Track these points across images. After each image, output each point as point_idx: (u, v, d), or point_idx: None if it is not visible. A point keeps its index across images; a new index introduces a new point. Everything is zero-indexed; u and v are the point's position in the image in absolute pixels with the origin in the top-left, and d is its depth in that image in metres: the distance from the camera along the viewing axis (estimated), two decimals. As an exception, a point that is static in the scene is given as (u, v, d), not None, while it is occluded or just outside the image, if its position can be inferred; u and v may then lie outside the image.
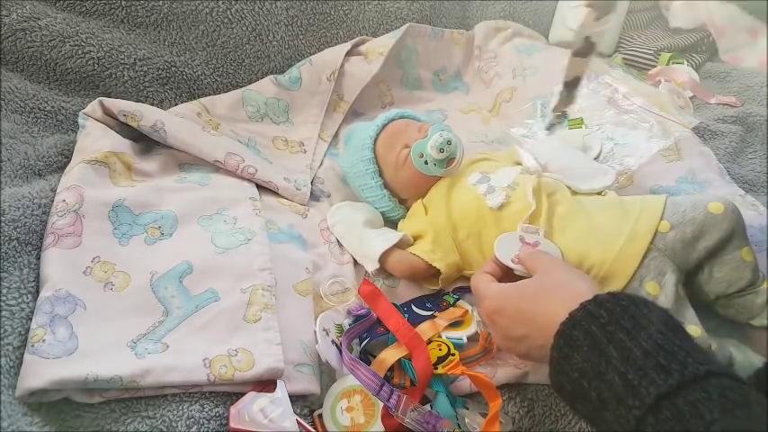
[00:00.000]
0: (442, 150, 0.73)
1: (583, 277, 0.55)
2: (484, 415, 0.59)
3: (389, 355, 0.62)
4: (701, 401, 0.39)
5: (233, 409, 0.54)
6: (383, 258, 0.72)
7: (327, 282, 0.71)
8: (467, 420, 0.59)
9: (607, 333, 0.44)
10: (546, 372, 0.63)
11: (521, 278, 0.60)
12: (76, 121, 0.79)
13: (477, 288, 0.60)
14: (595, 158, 0.84)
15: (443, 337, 0.65)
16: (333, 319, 0.65)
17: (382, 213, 0.81)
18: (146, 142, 0.81)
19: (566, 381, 0.47)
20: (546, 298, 0.53)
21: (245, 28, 0.96)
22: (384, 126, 0.81)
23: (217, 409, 0.56)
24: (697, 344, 0.43)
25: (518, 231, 0.66)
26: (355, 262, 0.75)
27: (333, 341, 0.63)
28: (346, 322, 0.66)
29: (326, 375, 0.62)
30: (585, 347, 0.45)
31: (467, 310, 0.69)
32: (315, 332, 0.63)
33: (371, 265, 0.72)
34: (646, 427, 0.40)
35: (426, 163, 0.74)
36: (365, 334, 0.65)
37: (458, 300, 0.71)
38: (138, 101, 0.86)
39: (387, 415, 0.57)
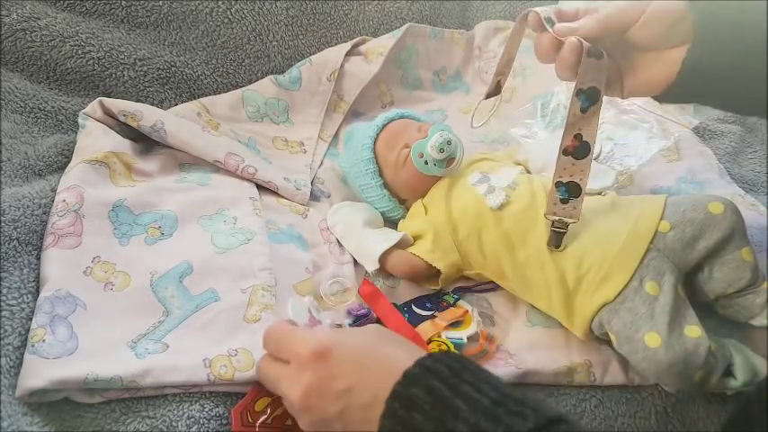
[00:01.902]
0: (442, 150, 0.73)
1: (413, 347, 0.49)
2: (484, 415, 0.59)
3: (389, 355, 0.62)
4: None
5: (235, 411, 0.54)
6: (383, 258, 0.72)
7: (327, 282, 0.71)
8: (467, 420, 0.59)
9: (450, 386, 0.41)
10: (546, 372, 0.64)
11: None
12: (76, 121, 0.79)
13: (286, 333, 0.51)
14: (595, 158, 0.84)
15: (443, 337, 0.65)
16: (333, 319, 0.65)
17: (382, 213, 0.81)
18: (146, 142, 0.81)
19: None
20: (387, 345, 0.48)
21: (245, 28, 0.96)
22: (384, 126, 0.81)
23: (217, 409, 0.56)
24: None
25: (307, 303, 0.61)
26: (355, 262, 0.75)
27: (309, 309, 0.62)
28: (346, 322, 0.66)
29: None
30: (427, 405, 0.41)
31: (467, 310, 0.69)
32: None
33: (371, 265, 0.72)
34: None
35: (426, 163, 0.74)
36: (365, 334, 0.65)
37: (458, 300, 0.71)
38: (138, 101, 0.86)
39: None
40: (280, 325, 0.53)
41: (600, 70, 0.58)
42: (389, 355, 0.46)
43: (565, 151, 0.62)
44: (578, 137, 0.61)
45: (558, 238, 0.65)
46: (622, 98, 0.63)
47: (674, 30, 0.55)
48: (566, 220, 0.64)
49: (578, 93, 0.59)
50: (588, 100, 0.59)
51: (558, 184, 0.64)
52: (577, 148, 0.61)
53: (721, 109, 0.68)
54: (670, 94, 0.58)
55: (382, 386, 0.43)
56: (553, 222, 0.64)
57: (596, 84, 0.58)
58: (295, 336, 0.50)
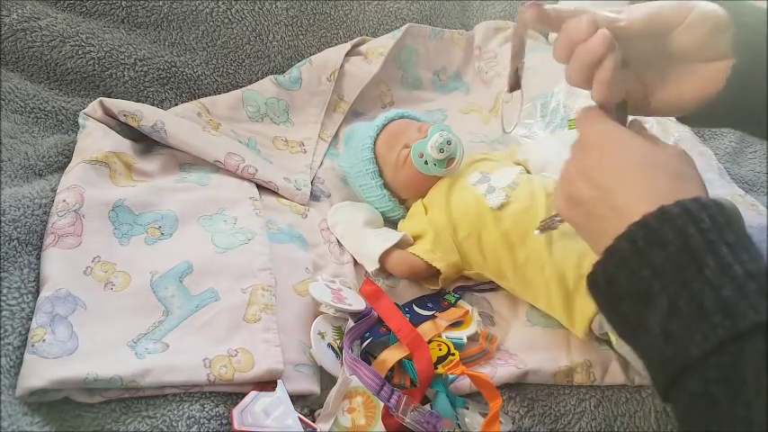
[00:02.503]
0: (442, 150, 0.73)
1: (703, 185, 0.44)
2: (484, 415, 0.59)
3: (390, 356, 0.62)
4: None
5: (235, 411, 0.54)
6: (383, 258, 0.72)
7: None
8: (467, 420, 0.59)
9: (707, 240, 0.37)
10: (546, 372, 0.64)
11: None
12: (77, 122, 0.79)
13: (592, 112, 0.49)
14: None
15: (443, 337, 0.65)
16: (330, 322, 0.65)
17: (382, 213, 0.81)
18: (146, 142, 0.81)
19: (625, 275, 0.39)
20: (663, 173, 0.43)
21: (245, 28, 0.96)
22: (384, 126, 0.81)
23: (217, 409, 0.56)
24: None
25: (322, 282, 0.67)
26: (355, 262, 0.75)
27: (329, 344, 0.63)
28: (349, 322, 0.66)
29: (326, 376, 0.62)
30: (673, 247, 0.37)
31: (467, 311, 0.69)
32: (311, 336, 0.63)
33: (371, 266, 0.72)
34: (725, 354, 0.34)
35: (426, 163, 0.74)
36: (367, 333, 0.65)
37: (459, 299, 0.71)
38: (138, 101, 0.86)
39: (387, 415, 0.57)
40: (591, 108, 0.50)
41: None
42: (668, 180, 0.43)
43: None
44: None
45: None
46: (646, 116, 0.55)
47: (718, 38, 0.49)
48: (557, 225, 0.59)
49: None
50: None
51: None
52: None
53: (760, 137, 0.61)
54: (703, 115, 0.52)
55: (641, 203, 0.41)
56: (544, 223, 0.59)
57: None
58: (594, 122, 0.49)
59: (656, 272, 0.38)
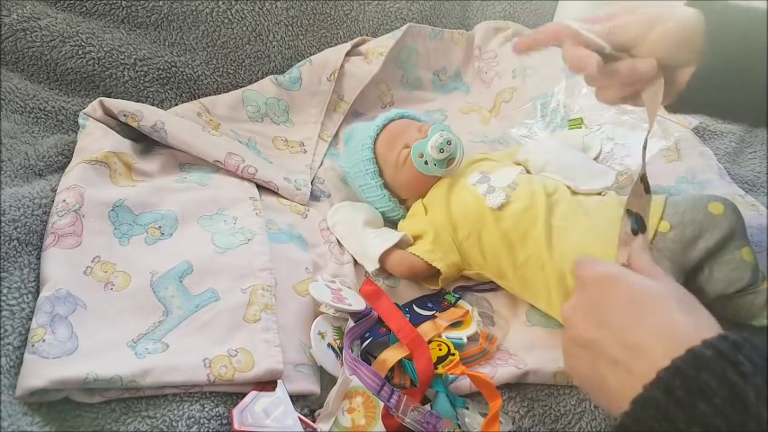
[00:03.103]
0: (442, 150, 0.73)
1: (708, 315, 0.43)
2: (484, 415, 0.59)
3: (391, 356, 0.62)
4: None
5: (235, 411, 0.54)
6: (383, 258, 0.72)
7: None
8: (467, 420, 0.59)
9: (754, 387, 0.34)
10: (546, 372, 0.64)
11: None
12: (77, 122, 0.79)
13: (584, 259, 0.49)
14: (595, 158, 0.84)
15: (443, 337, 0.65)
16: (331, 322, 0.65)
17: (382, 213, 0.81)
18: (146, 142, 0.81)
19: (664, 429, 0.36)
20: (668, 307, 0.42)
21: (245, 28, 0.96)
22: (384, 126, 0.81)
23: (217, 409, 0.56)
24: None
25: (321, 282, 0.67)
26: (355, 262, 0.75)
27: (329, 344, 0.63)
28: (349, 322, 0.66)
29: (326, 375, 0.62)
30: (719, 399, 0.34)
31: (467, 311, 0.69)
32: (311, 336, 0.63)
33: (371, 266, 0.72)
34: None
35: (426, 163, 0.74)
36: (367, 333, 0.65)
37: (459, 299, 0.71)
38: (138, 101, 0.86)
39: (387, 415, 0.57)
40: (587, 258, 0.50)
41: (645, 203, 0.54)
42: (669, 311, 0.41)
43: None
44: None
45: None
46: (636, 106, 0.61)
47: (682, 50, 0.54)
48: None
49: (628, 213, 0.54)
50: (637, 224, 0.54)
51: None
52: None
53: (724, 120, 0.65)
54: (672, 107, 0.58)
55: (651, 341, 0.39)
56: None
57: (642, 213, 0.53)
58: (595, 259, 0.49)
59: (706, 427, 0.34)
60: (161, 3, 0.91)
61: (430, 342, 0.64)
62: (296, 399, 0.58)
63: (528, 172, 0.78)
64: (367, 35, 1.05)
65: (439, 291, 0.73)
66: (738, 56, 0.53)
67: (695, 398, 0.35)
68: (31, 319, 0.56)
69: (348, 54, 0.99)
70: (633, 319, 0.42)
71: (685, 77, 0.55)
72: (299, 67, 0.96)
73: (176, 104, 0.90)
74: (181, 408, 0.55)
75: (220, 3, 0.94)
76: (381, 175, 0.79)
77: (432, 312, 0.69)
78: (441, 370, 0.61)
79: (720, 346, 0.36)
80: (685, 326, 0.40)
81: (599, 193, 0.74)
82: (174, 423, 0.54)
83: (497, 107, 1.03)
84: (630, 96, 0.58)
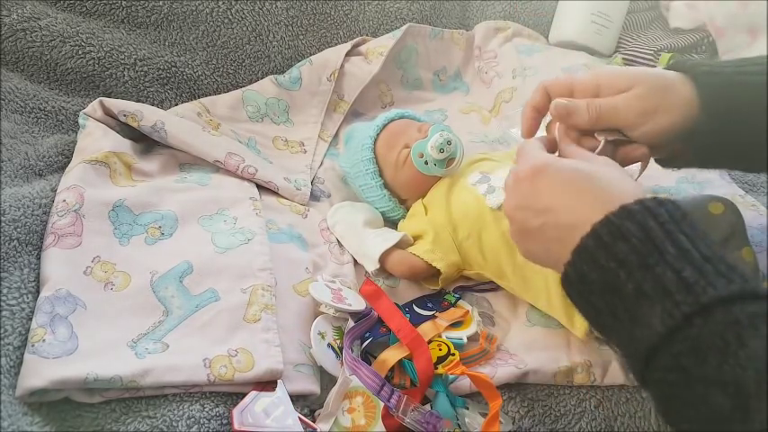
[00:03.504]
0: (442, 150, 0.73)
1: (637, 185, 0.48)
2: (484, 415, 0.59)
3: (391, 356, 0.62)
4: (758, 316, 0.36)
5: (235, 411, 0.54)
6: (383, 258, 0.72)
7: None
8: (467, 420, 0.59)
9: (666, 231, 0.41)
10: (546, 372, 0.64)
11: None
12: (77, 121, 0.79)
13: (524, 147, 0.54)
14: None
15: (443, 337, 0.65)
16: (331, 322, 0.65)
17: (382, 213, 0.81)
18: (146, 142, 0.81)
19: (593, 269, 0.43)
20: (596, 182, 0.47)
21: (245, 28, 0.96)
22: (384, 126, 0.81)
23: (217, 409, 0.56)
24: None
25: (321, 282, 0.67)
26: (355, 262, 0.75)
27: (329, 344, 0.63)
28: (349, 322, 0.66)
29: (326, 375, 0.62)
30: (636, 239, 0.41)
31: (467, 311, 0.69)
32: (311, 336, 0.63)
33: (371, 266, 0.72)
34: (690, 327, 0.37)
35: (426, 163, 0.74)
36: (367, 333, 0.65)
37: (459, 299, 0.71)
38: (138, 101, 0.86)
39: (387, 415, 0.57)
40: (527, 142, 0.56)
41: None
42: (607, 188, 0.46)
43: None
44: None
45: None
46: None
47: (673, 140, 0.55)
48: None
49: None
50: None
51: None
52: None
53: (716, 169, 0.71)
54: (668, 162, 0.60)
55: (589, 213, 0.44)
56: None
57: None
58: (525, 155, 0.53)
59: (621, 262, 0.41)
60: (161, 3, 0.91)
61: (430, 342, 0.64)
62: (296, 399, 0.58)
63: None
64: (367, 35, 1.05)
65: (439, 291, 0.73)
66: (732, 113, 0.53)
67: (617, 239, 0.41)
68: (31, 319, 0.56)
69: (348, 54, 0.99)
70: (568, 200, 0.47)
71: (677, 147, 0.56)
72: (299, 67, 0.96)
73: (176, 104, 0.90)
74: (181, 408, 0.55)
75: (220, 3, 0.94)
76: (381, 175, 0.79)
77: (432, 312, 0.69)
78: (441, 370, 0.61)
79: (647, 202, 0.43)
80: (619, 194, 0.45)
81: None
82: (174, 423, 0.54)
83: (497, 107, 1.03)
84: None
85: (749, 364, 0.34)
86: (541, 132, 0.61)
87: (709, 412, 0.36)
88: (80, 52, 0.84)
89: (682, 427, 0.39)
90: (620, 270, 0.41)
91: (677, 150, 0.58)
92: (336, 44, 1.02)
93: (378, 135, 0.80)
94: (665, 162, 0.61)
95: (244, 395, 0.56)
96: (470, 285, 0.74)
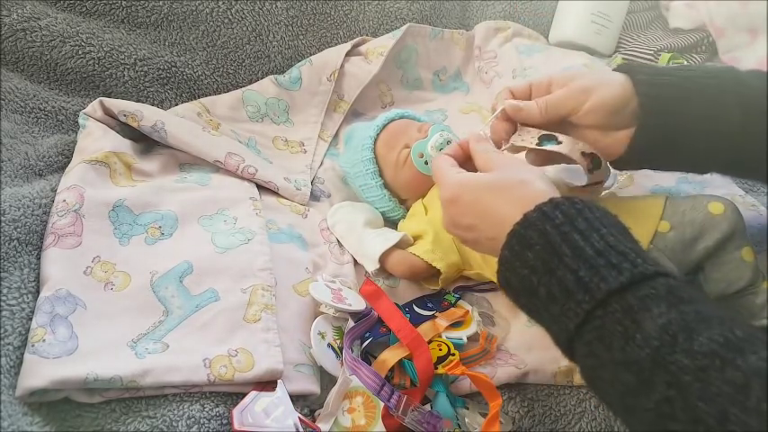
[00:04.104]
0: (442, 150, 0.73)
1: (541, 177, 0.54)
2: (484, 415, 0.59)
3: (391, 356, 0.62)
4: (649, 297, 0.41)
5: (235, 411, 0.54)
6: (383, 258, 0.72)
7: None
8: (467, 420, 0.59)
9: (561, 233, 0.45)
10: (546, 372, 0.64)
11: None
12: (77, 121, 0.79)
13: (436, 171, 0.60)
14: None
15: (443, 337, 0.65)
16: (331, 322, 0.65)
17: (383, 213, 0.81)
18: (146, 142, 0.81)
19: (513, 276, 0.48)
20: (502, 193, 0.52)
21: (245, 28, 0.96)
22: (384, 126, 0.81)
23: (217, 409, 0.56)
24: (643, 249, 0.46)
25: (322, 282, 0.68)
26: (355, 262, 0.75)
27: (329, 344, 0.63)
28: (349, 322, 0.66)
29: (326, 376, 0.62)
30: (539, 246, 0.46)
31: (467, 311, 0.69)
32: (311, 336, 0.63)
33: (371, 266, 0.72)
34: (593, 319, 0.42)
35: (427, 163, 0.74)
36: (367, 333, 0.65)
37: (458, 299, 0.71)
38: (138, 101, 0.86)
39: (387, 415, 0.57)
40: (437, 161, 0.61)
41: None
42: (516, 195, 0.51)
43: None
44: None
45: None
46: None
47: (617, 117, 0.58)
48: None
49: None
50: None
51: None
52: None
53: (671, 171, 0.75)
54: (621, 163, 0.62)
55: (505, 224, 0.49)
56: None
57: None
58: (440, 181, 0.59)
59: (532, 269, 0.46)
60: (161, 3, 0.91)
61: (430, 342, 0.64)
62: (296, 399, 0.58)
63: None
64: (367, 35, 1.05)
65: (439, 291, 0.73)
66: (673, 114, 0.57)
67: (524, 248, 0.47)
68: (31, 319, 0.56)
69: (348, 54, 0.99)
70: (485, 217, 0.53)
71: (625, 138, 0.59)
72: (299, 67, 0.96)
73: (176, 104, 0.90)
74: (181, 408, 0.55)
75: (220, 3, 0.94)
76: (381, 175, 0.79)
77: (432, 312, 0.69)
78: (441, 370, 0.61)
79: (544, 207, 0.47)
80: (524, 200, 0.49)
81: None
82: (174, 423, 0.54)
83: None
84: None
85: (645, 343, 0.39)
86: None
87: (622, 388, 0.40)
88: (80, 52, 0.84)
89: (607, 400, 0.44)
90: (532, 276, 0.46)
91: (626, 152, 0.60)
92: (336, 44, 1.02)
93: (378, 135, 0.80)
94: (617, 163, 0.63)
95: (244, 395, 0.56)
96: (470, 285, 0.74)
